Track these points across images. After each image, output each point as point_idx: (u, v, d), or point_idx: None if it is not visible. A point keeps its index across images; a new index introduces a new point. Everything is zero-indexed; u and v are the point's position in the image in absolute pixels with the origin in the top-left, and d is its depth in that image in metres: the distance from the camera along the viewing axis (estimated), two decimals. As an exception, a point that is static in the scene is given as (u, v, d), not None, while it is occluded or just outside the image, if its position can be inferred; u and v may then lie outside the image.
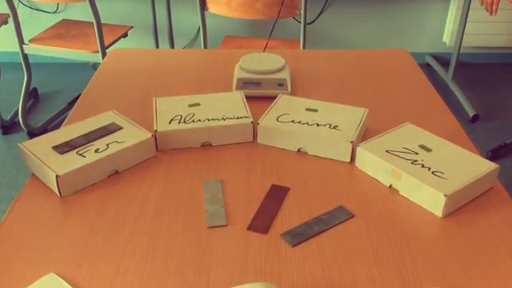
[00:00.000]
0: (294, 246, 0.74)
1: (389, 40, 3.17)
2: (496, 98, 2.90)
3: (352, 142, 0.91)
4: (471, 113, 2.66)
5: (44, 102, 2.79)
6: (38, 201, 0.83)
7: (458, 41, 2.85)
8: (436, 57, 3.21)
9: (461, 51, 2.90)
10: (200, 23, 2.16)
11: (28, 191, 0.86)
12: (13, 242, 0.75)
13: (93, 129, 0.94)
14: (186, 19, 3.04)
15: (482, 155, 0.89)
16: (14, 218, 0.80)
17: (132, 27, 2.57)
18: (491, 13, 2.03)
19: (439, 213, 0.80)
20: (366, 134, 1.00)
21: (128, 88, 1.20)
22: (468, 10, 2.75)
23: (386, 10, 3.07)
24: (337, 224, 0.79)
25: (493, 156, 2.36)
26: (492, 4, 2.02)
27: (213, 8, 2.12)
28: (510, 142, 2.43)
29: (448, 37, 3.11)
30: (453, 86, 2.90)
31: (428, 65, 3.18)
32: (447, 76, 2.98)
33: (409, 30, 3.15)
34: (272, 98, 1.06)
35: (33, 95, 2.83)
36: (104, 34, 2.29)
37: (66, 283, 0.67)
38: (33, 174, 0.90)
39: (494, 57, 3.24)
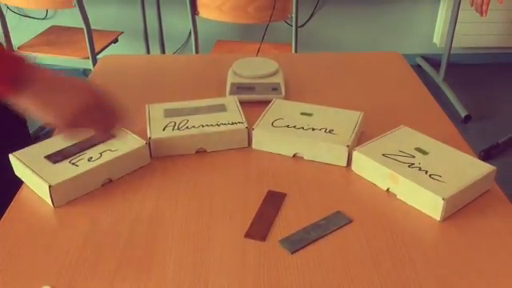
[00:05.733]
0: (292, 253, 0.73)
1: (379, 42, 3.18)
2: (487, 98, 2.91)
3: (348, 145, 0.91)
4: (463, 113, 2.67)
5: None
6: (30, 211, 0.82)
7: (449, 42, 2.86)
8: (427, 58, 3.22)
9: (451, 52, 2.91)
10: (191, 27, 2.15)
11: (19, 202, 0.84)
12: (5, 254, 0.73)
13: (85, 137, 0.93)
14: (177, 24, 3.02)
15: (475, 155, 0.89)
16: (5, 229, 0.78)
17: (122, 32, 2.56)
18: (481, 13, 2.04)
19: (438, 216, 0.79)
20: (361, 137, 1.00)
21: (120, 95, 1.18)
22: (458, 11, 2.76)
23: (375, 12, 3.08)
24: (335, 229, 0.78)
25: (486, 156, 2.36)
26: (482, 5, 2.03)
27: (204, 12, 2.11)
28: (502, 141, 2.44)
29: (438, 38, 3.12)
30: (444, 87, 2.91)
31: (419, 66, 3.19)
32: (438, 77, 2.98)
33: (399, 31, 3.16)
34: (266, 103, 1.05)
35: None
36: (94, 39, 2.28)
37: (60, 296, 0.66)
38: (23, 183, 0.88)
39: (484, 57, 3.26)
